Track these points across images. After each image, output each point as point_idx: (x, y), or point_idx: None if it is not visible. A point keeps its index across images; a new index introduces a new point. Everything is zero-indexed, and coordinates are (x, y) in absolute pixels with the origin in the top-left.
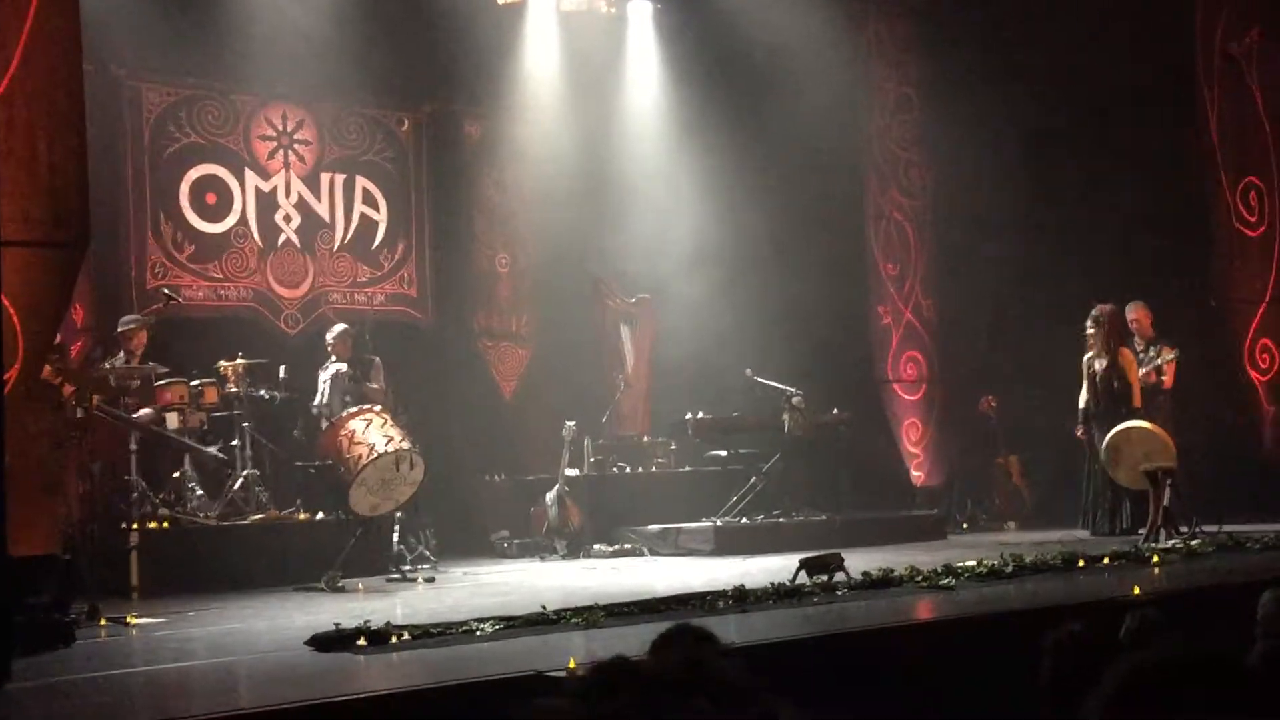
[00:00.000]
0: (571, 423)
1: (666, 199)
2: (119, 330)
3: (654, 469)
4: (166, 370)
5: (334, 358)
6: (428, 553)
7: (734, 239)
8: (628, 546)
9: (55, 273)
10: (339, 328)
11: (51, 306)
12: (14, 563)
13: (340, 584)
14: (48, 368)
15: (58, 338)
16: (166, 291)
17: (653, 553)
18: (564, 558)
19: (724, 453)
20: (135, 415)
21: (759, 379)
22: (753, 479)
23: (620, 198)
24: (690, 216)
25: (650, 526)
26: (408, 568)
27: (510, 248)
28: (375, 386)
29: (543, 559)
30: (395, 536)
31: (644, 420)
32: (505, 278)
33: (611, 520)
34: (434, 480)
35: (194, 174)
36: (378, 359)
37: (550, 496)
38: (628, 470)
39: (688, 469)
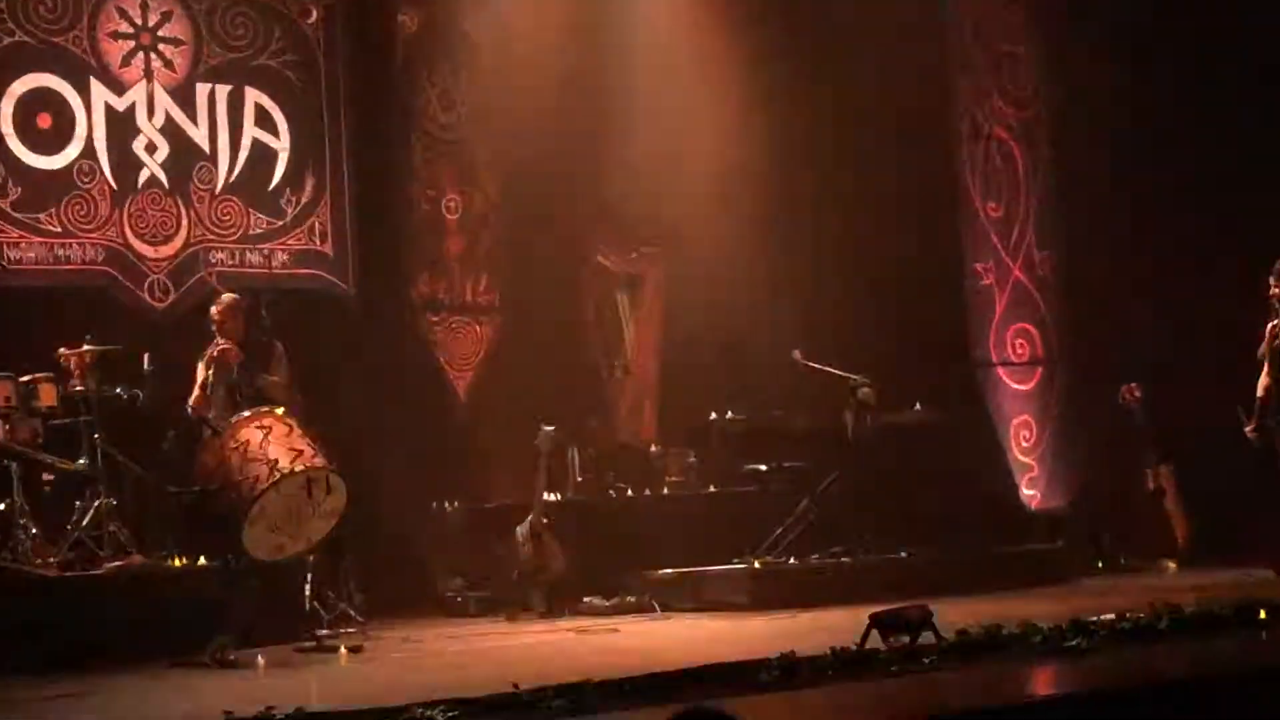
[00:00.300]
0: (550, 428)
1: (681, 115)
2: None
3: (666, 491)
4: None
5: (219, 341)
6: (353, 611)
7: (774, 170)
8: (631, 600)
9: None
10: (226, 299)
11: None
12: None
13: (232, 657)
14: None
15: None
16: None
17: (666, 608)
18: (542, 615)
19: (763, 467)
20: None
21: (810, 363)
22: (803, 503)
23: (618, 115)
24: (713, 139)
25: (662, 571)
26: (325, 632)
27: (462, 185)
28: (276, 380)
29: (512, 618)
30: (308, 589)
31: (651, 423)
32: (455, 227)
33: (608, 563)
34: (360, 510)
35: (18, 87)
36: (280, 344)
37: (522, 531)
38: (629, 493)
39: (713, 490)
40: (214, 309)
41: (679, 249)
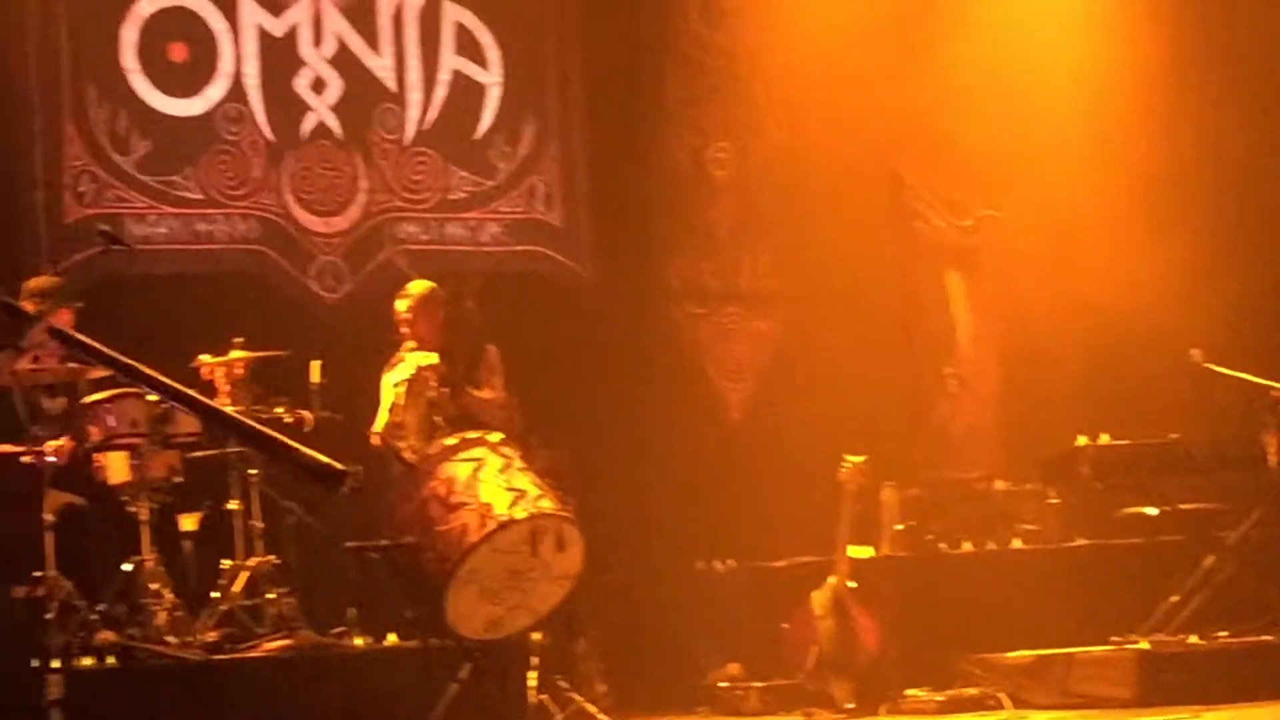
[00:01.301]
0: (857, 459)
1: (1030, 36)
2: (18, 304)
3: (1016, 543)
4: (108, 373)
5: (410, 344)
6: (593, 708)
7: (1166, 113)
8: (972, 693)
9: None
10: (419, 288)
11: None
12: None
13: None
14: None
15: None
16: (104, 229)
17: (1018, 704)
18: (850, 714)
19: (1151, 510)
20: (50, 457)
21: (1216, 367)
22: (1209, 559)
23: (944, 34)
24: (1076, 68)
25: (1013, 654)
26: None
27: (734, 129)
28: (489, 396)
29: (809, 716)
30: (532, 679)
31: (994, 452)
32: (726, 186)
33: (938, 642)
34: (601, 572)
35: (145, 6)
36: (492, 347)
37: (820, 599)
38: (967, 547)
39: (1081, 543)
40: (402, 302)
41: (1029, 213)
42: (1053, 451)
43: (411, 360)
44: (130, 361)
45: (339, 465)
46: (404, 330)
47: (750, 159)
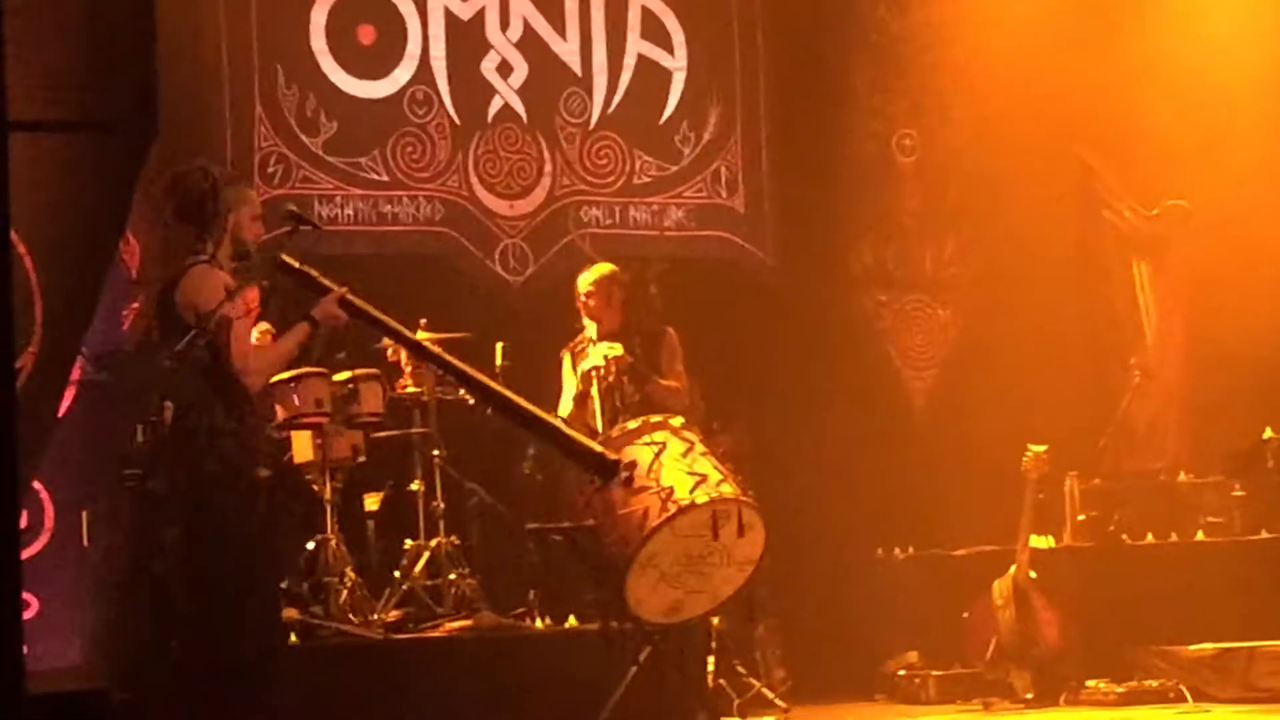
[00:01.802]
0: (1039, 448)
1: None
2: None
3: (1200, 535)
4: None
5: (591, 327)
6: (771, 694)
7: None
8: (1153, 685)
9: (98, 183)
10: (601, 270)
11: (90, 245)
12: (35, 705)
13: None
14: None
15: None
16: (291, 210)
17: (1200, 697)
18: (1029, 704)
19: None
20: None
21: None
22: None
23: (1134, 18)
24: (1266, 74)
25: (1195, 647)
26: None
27: (920, 117)
28: (672, 384)
29: (988, 707)
30: (711, 663)
31: (1178, 443)
32: (912, 174)
33: (1119, 634)
34: (781, 559)
35: None
36: (671, 330)
37: (1001, 589)
38: (1149, 538)
39: (1266, 536)
40: (583, 283)
41: (1216, 202)
42: (1238, 444)
43: (597, 352)
44: (412, 335)
45: (612, 456)
46: (583, 310)
47: (936, 146)
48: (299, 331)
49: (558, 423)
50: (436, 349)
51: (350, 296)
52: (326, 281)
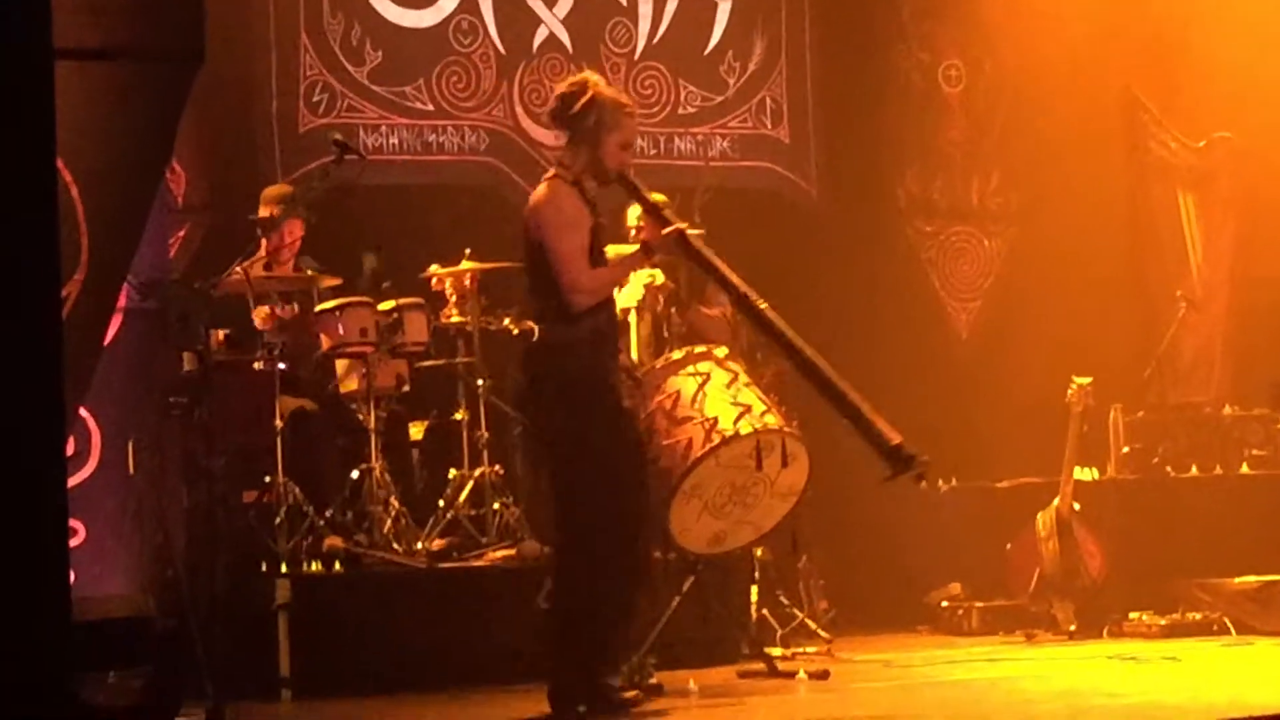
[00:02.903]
0: (1084, 381)
1: None
2: (255, 214)
3: (1244, 469)
4: (337, 283)
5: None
6: (814, 624)
7: None
8: (1196, 617)
9: (144, 110)
10: (652, 198)
11: (137, 173)
12: (81, 630)
13: (653, 680)
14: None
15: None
16: (337, 138)
17: (1242, 629)
18: (1072, 636)
19: None
20: (283, 364)
21: None
22: None
23: None
24: None
25: (1239, 579)
26: (778, 652)
27: (966, 47)
28: (716, 313)
29: (1031, 638)
30: (754, 594)
31: (1223, 377)
32: (958, 105)
33: (1162, 566)
34: (825, 490)
35: None
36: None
37: (1044, 521)
38: (1194, 471)
39: None
40: (633, 215)
41: (1263, 135)
42: None
43: (638, 280)
44: (747, 290)
45: (910, 451)
46: (631, 239)
47: (982, 76)
48: (635, 258)
49: (862, 404)
50: (765, 309)
51: (689, 235)
52: (667, 213)
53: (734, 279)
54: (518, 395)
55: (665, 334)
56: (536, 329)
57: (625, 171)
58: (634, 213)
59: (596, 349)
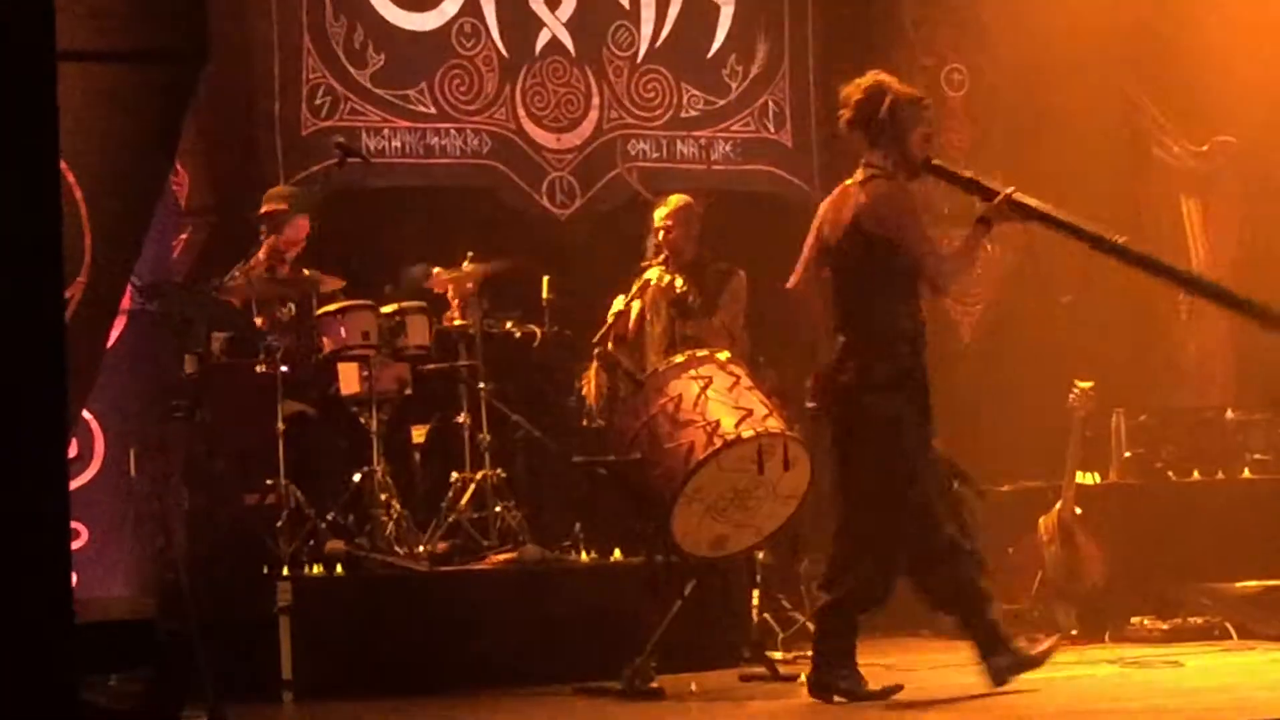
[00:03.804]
0: (1086, 385)
1: None
2: (258, 213)
3: (1246, 473)
4: (340, 285)
5: (659, 257)
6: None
7: None
8: (1196, 622)
9: (147, 113)
10: (678, 200)
11: (140, 176)
12: (82, 633)
13: (654, 684)
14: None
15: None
16: (340, 141)
17: (1245, 634)
18: (1074, 640)
19: None
20: (284, 367)
21: None
22: None
23: None
24: None
25: (1241, 584)
26: (779, 655)
27: (969, 51)
28: (715, 325)
29: (1032, 641)
30: (755, 597)
31: (1226, 381)
32: (961, 109)
33: (1164, 571)
34: (827, 493)
35: None
36: (742, 274)
37: (1046, 525)
38: (1196, 475)
39: None
40: (659, 216)
41: (1265, 140)
42: None
43: (653, 272)
44: (1096, 230)
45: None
46: (659, 239)
47: (985, 80)
48: (978, 233)
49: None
50: (1124, 243)
51: (1018, 195)
52: (988, 182)
53: (1081, 224)
54: (831, 385)
55: (675, 339)
56: (856, 324)
57: (930, 159)
58: (660, 214)
59: (916, 345)
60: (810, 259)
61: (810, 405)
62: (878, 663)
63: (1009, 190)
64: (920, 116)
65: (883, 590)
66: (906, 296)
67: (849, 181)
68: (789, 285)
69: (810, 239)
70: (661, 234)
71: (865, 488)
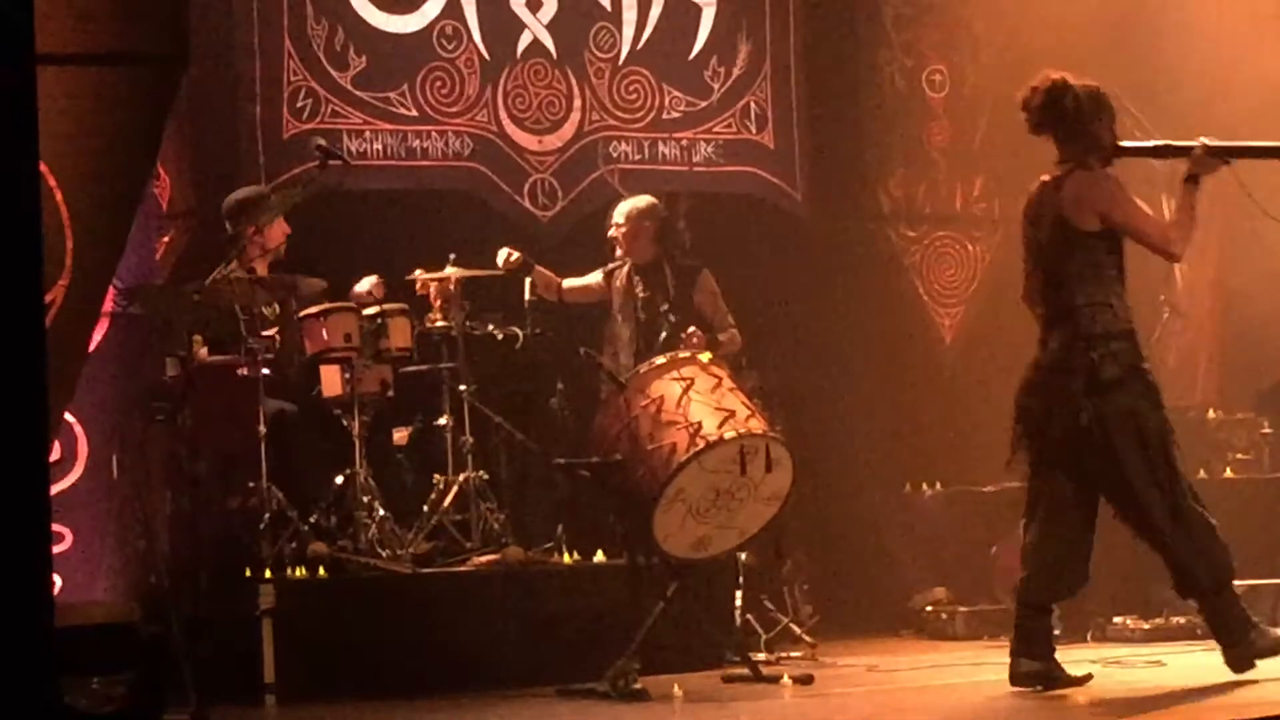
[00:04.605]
0: None
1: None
2: (237, 216)
3: (1228, 472)
4: (322, 287)
5: (622, 261)
6: (798, 629)
7: None
8: (1180, 621)
9: (128, 115)
10: (636, 204)
11: (121, 178)
12: (65, 636)
13: (637, 685)
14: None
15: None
16: (321, 144)
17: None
18: (1056, 640)
19: None
20: (266, 370)
21: None
22: None
23: None
24: None
25: None
26: (762, 656)
27: (949, 53)
28: (724, 337)
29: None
30: (738, 598)
31: (1208, 381)
32: (941, 110)
33: (1146, 570)
34: (810, 494)
35: None
36: (705, 270)
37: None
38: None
39: None
40: (617, 216)
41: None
42: (1267, 381)
43: (621, 282)
44: None
45: None
46: (617, 245)
47: (966, 82)
48: (1189, 192)
49: None
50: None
51: (1210, 142)
52: (1178, 143)
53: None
54: (1055, 391)
55: (641, 345)
56: (1074, 323)
57: (1118, 142)
58: (617, 213)
59: (1134, 339)
60: (1029, 268)
61: (1021, 419)
62: (860, 663)
63: (1201, 141)
64: (1103, 105)
65: (1226, 555)
66: (1119, 291)
67: (1045, 178)
68: (1022, 299)
69: (1023, 248)
70: (616, 241)
71: (1135, 484)
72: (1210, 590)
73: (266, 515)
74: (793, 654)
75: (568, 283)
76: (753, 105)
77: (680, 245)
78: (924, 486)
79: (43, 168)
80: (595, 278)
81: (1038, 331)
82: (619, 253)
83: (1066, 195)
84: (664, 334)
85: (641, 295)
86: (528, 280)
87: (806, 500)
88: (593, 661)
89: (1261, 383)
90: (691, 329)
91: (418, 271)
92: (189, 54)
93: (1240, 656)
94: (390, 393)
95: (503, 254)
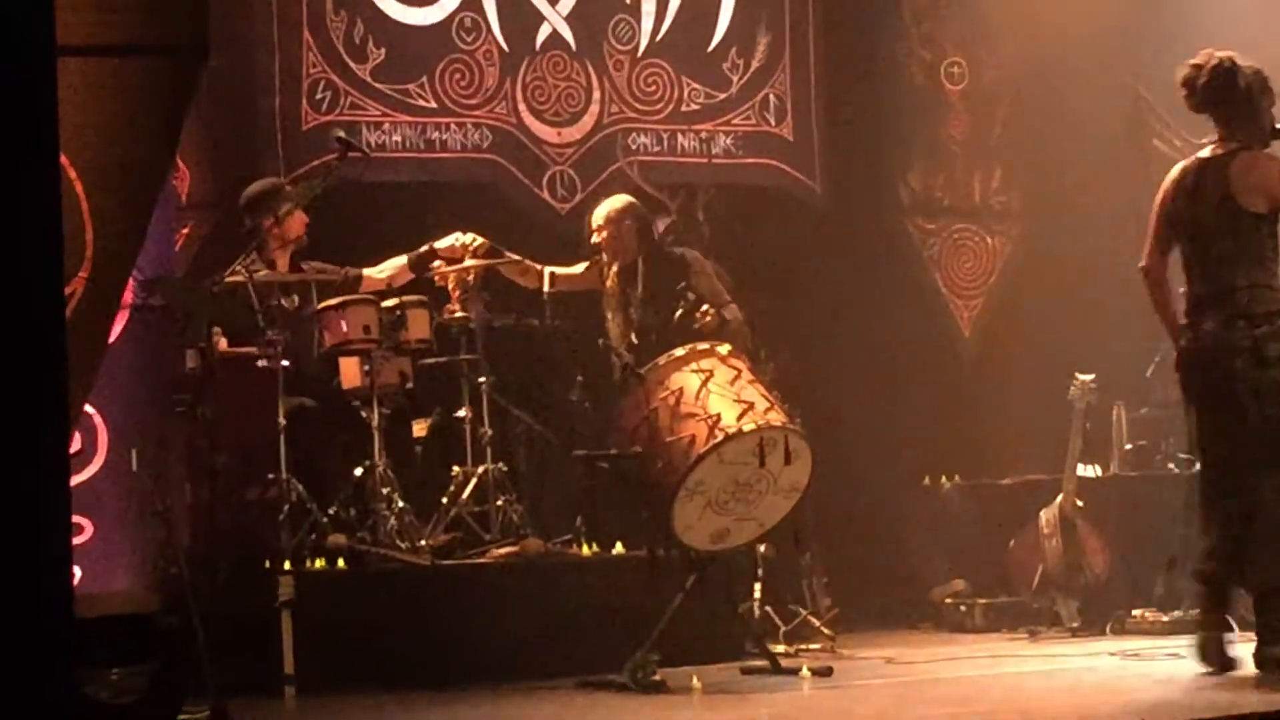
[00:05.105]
0: (1086, 377)
1: None
2: (255, 208)
3: None
4: (336, 278)
5: (609, 259)
6: (817, 621)
7: None
8: (1199, 614)
9: (148, 107)
10: (610, 205)
11: (141, 170)
12: (84, 627)
13: (656, 677)
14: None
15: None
16: (340, 135)
17: (1245, 626)
18: (1075, 633)
19: None
20: (286, 362)
21: None
22: None
23: None
24: None
25: None
26: (781, 648)
27: (968, 46)
28: (729, 314)
29: (1034, 635)
30: (757, 590)
31: None
32: (960, 102)
33: (1166, 563)
34: (828, 487)
35: None
36: (695, 253)
37: (1048, 518)
38: (1197, 468)
39: None
40: (595, 222)
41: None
42: None
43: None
44: None
45: None
46: (600, 246)
47: (984, 74)
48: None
49: None
50: None
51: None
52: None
53: None
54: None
55: (635, 339)
56: (1234, 301)
57: (1275, 125)
58: (596, 217)
59: None
60: (1160, 237)
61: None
62: (878, 655)
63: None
64: (1267, 86)
65: None
66: (1276, 273)
67: (1203, 154)
68: (1141, 265)
69: (1156, 218)
70: (595, 239)
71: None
72: (1273, 590)
73: (286, 507)
74: (811, 646)
75: (557, 271)
76: (772, 97)
77: (700, 237)
78: (943, 479)
79: (63, 160)
80: (581, 268)
81: (1182, 306)
82: (604, 257)
83: (1235, 175)
84: (679, 313)
85: (631, 292)
86: (547, 272)
87: (825, 492)
88: (612, 653)
89: None
90: (705, 307)
91: (437, 263)
92: (209, 46)
93: (1272, 659)
94: (409, 384)
95: (457, 237)
